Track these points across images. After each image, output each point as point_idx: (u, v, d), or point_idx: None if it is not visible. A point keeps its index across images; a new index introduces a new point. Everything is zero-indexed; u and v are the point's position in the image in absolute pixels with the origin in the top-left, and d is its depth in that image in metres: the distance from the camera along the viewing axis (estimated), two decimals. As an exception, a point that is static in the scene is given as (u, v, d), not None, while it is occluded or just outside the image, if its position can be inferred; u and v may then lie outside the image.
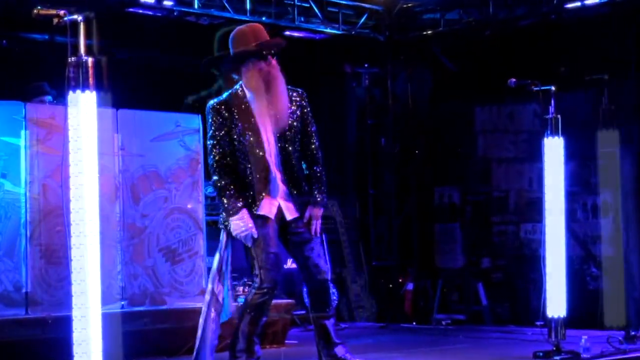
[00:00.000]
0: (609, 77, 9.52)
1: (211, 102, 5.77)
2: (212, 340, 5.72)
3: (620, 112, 9.64)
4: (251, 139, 5.65)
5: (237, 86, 5.79)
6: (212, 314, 5.73)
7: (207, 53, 6.35)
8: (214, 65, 6.00)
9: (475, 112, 11.08)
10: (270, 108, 5.70)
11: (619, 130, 9.38)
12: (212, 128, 5.71)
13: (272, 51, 5.76)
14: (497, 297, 10.31)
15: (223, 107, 5.71)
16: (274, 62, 5.75)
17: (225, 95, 5.77)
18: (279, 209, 5.71)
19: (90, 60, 4.44)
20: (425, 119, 11.18)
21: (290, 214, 5.73)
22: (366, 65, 11.14)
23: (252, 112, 5.69)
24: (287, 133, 5.73)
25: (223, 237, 5.80)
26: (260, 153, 5.64)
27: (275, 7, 9.68)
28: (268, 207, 5.66)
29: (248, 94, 5.73)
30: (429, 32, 10.51)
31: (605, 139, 9.47)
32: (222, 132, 5.67)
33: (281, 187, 5.71)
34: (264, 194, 5.65)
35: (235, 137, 5.67)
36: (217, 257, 5.84)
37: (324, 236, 9.87)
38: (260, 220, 5.64)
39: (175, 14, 9.11)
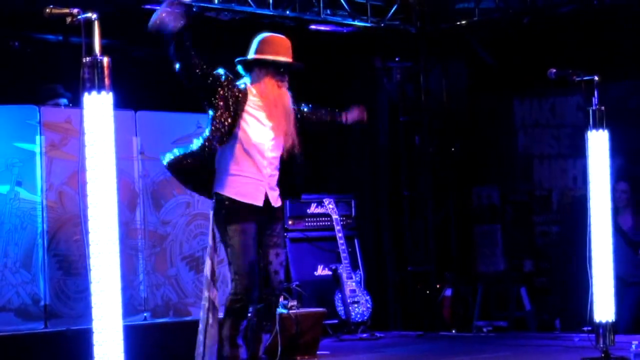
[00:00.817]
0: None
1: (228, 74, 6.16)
2: (212, 346, 6.02)
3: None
4: (250, 135, 6.07)
5: (246, 83, 6.19)
6: (211, 320, 6.04)
7: (229, 50, 6.41)
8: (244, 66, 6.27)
9: (515, 106, 11.05)
10: (274, 120, 6.14)
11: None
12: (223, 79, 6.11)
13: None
14: (542, 302, 10.28)
15: (236, 86, 6.12)
16: (286, 81, 6.25)
17: (240, 82, 6.17)
18: (266, 196, 6.10)
19: (106, 60, 4.48)
20: (461, 115, 11.14)
21: (273, 202, 6.15)
22: (397, 59, 11.12)
23: (258, 112, 6.11)
24: (289, 146, 6.20)
25: (210, 241, 6.17)
26: (255, 152, 6.07)
27: (300, 0, 9.70)
28: (255, 194, 6.05)
29: (255, 95, 6.14)
30: (463, 22, 10.46)
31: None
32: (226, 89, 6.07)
33: (269, 177, 6.13)
34: (251, 178, 6.05)
35: (235, 119, 6.05)
36: (207, 262, 6.18)
37: (355, 241, 10.01)
38: (245, 220, 6.01)
39: (194, 9, 9.15)
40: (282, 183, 6.21)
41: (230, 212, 6.02)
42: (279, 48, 6.22)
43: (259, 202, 6.05)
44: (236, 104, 6.03)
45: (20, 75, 8.76)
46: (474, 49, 10.80)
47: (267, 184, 6.10)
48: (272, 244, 6.18)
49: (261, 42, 6.19)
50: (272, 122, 6.11)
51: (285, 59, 6.21)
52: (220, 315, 6.11)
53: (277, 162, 6.17)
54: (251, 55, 6.20)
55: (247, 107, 6.07)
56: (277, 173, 6.17)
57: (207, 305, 6.06)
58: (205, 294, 6.10)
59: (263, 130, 6.09)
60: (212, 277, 6.10)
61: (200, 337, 6.03)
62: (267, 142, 6.09)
